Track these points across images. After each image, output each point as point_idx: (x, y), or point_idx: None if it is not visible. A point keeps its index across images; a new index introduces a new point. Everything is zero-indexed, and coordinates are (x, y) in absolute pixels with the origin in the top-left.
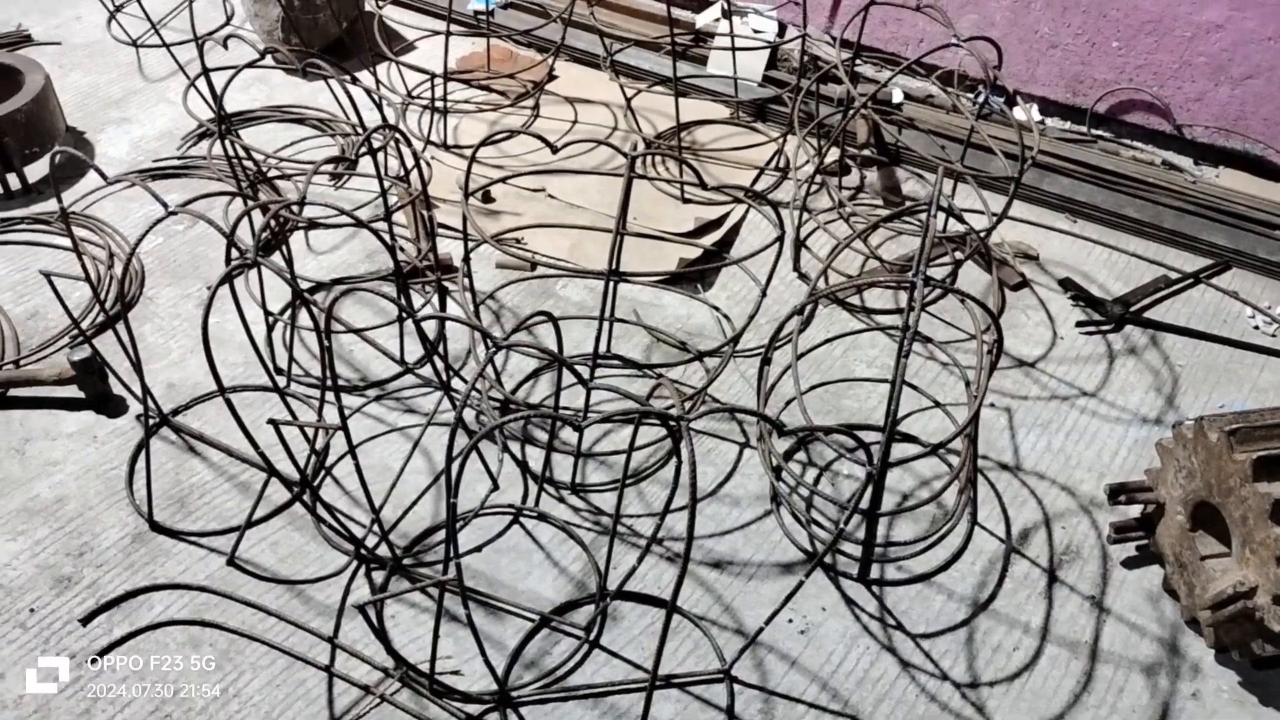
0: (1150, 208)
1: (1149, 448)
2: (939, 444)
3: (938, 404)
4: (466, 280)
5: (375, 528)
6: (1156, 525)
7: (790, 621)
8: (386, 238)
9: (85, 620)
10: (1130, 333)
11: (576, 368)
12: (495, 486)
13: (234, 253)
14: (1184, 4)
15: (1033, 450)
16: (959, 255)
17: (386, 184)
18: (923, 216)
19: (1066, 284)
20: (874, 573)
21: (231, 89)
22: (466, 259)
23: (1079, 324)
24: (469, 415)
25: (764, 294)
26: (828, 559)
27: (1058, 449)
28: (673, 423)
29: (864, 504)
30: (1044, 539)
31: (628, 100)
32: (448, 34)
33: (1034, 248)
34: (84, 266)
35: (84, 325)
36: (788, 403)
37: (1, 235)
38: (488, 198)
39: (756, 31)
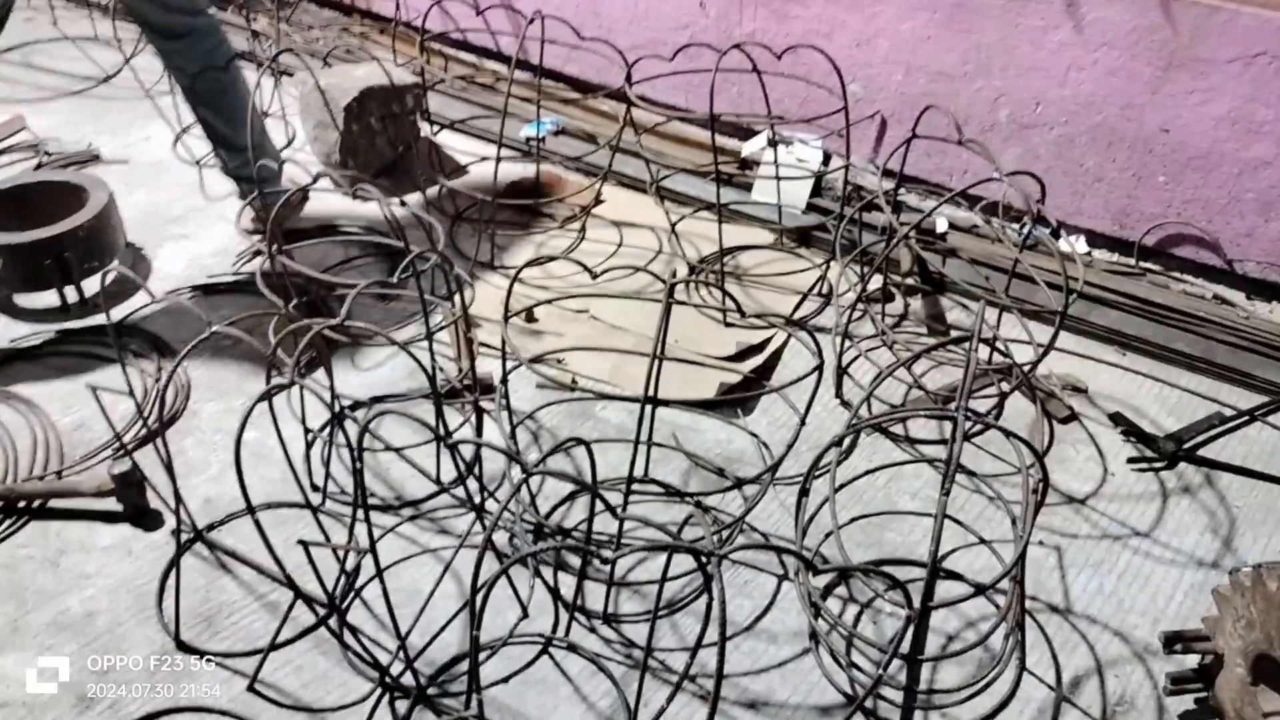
0: (1202, 342)
1: (1205, 592)
2: (985, 585)
3: (984, 541)
4: (504, 401)
5: (401, 654)
6: (1215, 677)
7: None
8: (424, 357)
9: None
10: (1184, 470)
11: (609, 495)
12: (524, 615)
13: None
14: (1230, 140)
15: (1084, 592)
16: (1005, 387)
17: (430, 304)
18: (967, 346)
19: (1117, 419)
20: None
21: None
22: (504, 379)
23: (1130, 460)
24: (503, 539)
25: (803, 422)
26: (868, 703)
27: (1110, 591)
28: (704, 558)
29: (905, 647)
30: (1096, 688)
31: (672, 225)
32: (498, 159)
33: (1083, 380)
34: (128, 381)
35: (126, 439)
36: (827, 535)
37: (56, 348)
38: (531, 318)
39: (801, 161)
